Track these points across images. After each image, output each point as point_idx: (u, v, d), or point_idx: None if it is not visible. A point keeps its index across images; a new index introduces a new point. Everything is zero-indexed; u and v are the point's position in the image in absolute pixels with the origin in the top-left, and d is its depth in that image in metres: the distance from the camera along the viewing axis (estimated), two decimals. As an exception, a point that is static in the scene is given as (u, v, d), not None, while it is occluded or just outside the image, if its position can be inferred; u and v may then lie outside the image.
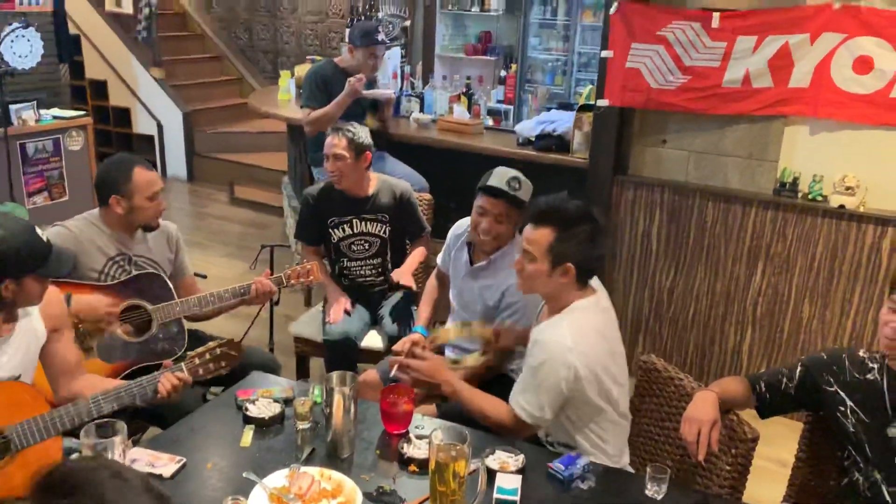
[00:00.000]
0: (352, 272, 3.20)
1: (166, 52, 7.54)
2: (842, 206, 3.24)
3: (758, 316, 3.54)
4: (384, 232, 3.16)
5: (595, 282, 2.14)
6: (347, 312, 3.05)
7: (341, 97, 3.93)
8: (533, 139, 4.11)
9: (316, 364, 3.34)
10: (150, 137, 7.40)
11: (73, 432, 2.02)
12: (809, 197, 3.34)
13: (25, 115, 4.79)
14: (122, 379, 2.30)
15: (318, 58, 5.61)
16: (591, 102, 3.81)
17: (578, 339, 1.96)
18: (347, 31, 5.59)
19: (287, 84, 5.43)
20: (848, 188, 3.23)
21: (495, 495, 1.66)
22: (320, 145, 4.17)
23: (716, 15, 3.26)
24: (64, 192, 5.13)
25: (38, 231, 1.87)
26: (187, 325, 2.64)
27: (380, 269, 3.21)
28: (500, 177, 2.50)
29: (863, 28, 3.08)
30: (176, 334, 2.58)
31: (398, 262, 3.22)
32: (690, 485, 2.01)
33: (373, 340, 3.12)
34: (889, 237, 3.18)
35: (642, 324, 3.83)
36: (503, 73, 6.55)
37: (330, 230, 3.15)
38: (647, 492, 1.75)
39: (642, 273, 3.77)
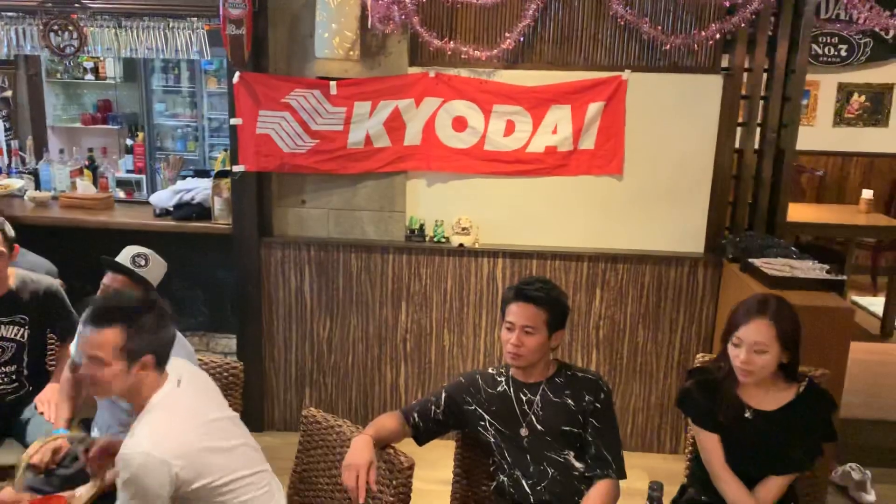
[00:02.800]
0: None
1: None
2: (461, 245, 3.73)
3: (408, 351, 3.87)
4: (22, 336, 2.81)
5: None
6: None
7: None
8: (171, 209, 3.99)
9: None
10: None
11: None
12: (435, 240, 3.77)
13: None
14: None
15: None
16: (228, 168, 3.85)
17: (160, 438, 1.85)
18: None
19: None
20: (464, 229, 3.72)
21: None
22: None
23: (332, 83, 3.55)
24: None
25: None
26: None
27: (14, 377, 2.84)
28: (125, 254, 2.49)
29: (454, 93, 3.60)
30: None
31: (35, 366, 2.89)
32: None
33: (8, 455, 2.73)
34: (500, 266, 3.74)
35: (306, 377, 3.93)
36: (129, 141, 6.24)
37: None
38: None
39: (300, 328, 3.88)
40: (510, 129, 3.62)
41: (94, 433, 2.57)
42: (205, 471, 1.90)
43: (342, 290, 3.83)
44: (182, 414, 1.95)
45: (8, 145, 4.79)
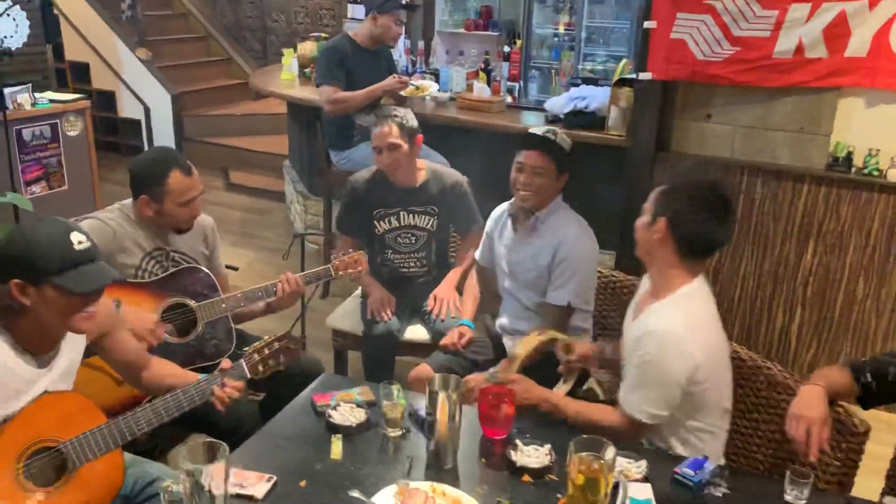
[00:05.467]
0: (394, 263, 3.02)
1: (150, 32, 7.20)
2: (901, 181, 3.13)
3: (808, 295, 3.42)
4: (431, 225, 2.97)
5: None
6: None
7: (377, 89, 3.75)
8: (563, 116, 3.93)
9: (353, 358, 3.16)
10: (137, 122, 7.07)
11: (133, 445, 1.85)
12: (864, 172, 3.21)
13: (21, 98, 4.43)
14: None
15: (325, 35, 5.35)
16: (628, 76, 3.64)
17: (693, 326, 1.81)
18: (351, 6, 5.35)
19: (290, 63, 5.17)
20: (908, 162, 3.11)
21: (630, 507, 1.51)
22: (341, 127, 3.98)
23: (769, -18, 3.11)
24: (63, 182, 4.76)
25: (74, 236, 1.61)
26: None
27: (424, 262, 3.04)
28: (536, 129, 2.52)
29: (926, -7, 2.95)
30: (224, 333, 2.38)
31: (442, 255, 3.06)
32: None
33: (417, 333, 2.95)
34: (950, 212, 3.08)
35: (682, 306, 3.70)
36: (507, 48, 6.33)
37: (375, 222, 2.96)
38: (786, 497, 1.60)
39: (684, 254, 3.63)
40: None
41: (501, 321, 2.65)
42: (714, 380, 1.85)
43: (739, 218, 3.46)
44: (710, 318, 1.89)
45: (411, 47, 5.11)
